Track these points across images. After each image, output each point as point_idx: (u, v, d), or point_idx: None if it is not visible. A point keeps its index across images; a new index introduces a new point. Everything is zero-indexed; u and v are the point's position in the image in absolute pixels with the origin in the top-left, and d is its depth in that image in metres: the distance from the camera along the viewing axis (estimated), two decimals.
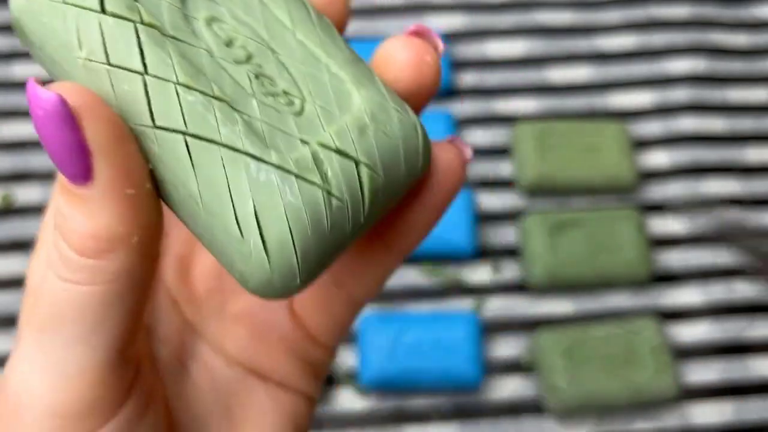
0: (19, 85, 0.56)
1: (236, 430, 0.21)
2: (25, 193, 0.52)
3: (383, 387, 0.48)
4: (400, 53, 0.19)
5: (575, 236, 0.51)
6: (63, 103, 0.15)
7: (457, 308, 0.51)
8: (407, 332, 0.48)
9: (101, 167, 0.16)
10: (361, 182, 0.17)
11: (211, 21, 0.18)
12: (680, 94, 0.57)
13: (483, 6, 0.60)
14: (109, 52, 0.16)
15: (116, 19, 0.16)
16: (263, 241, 0.16)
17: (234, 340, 0.22)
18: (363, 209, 0.17)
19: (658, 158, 0.55)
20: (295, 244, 0.16)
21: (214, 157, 0.16)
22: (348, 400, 0.48)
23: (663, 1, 0.60)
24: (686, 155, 0.55)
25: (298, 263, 0.16)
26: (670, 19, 0.60)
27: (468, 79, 0.57)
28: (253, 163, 0.16)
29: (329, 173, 0.17)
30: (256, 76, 0.18)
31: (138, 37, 0.16)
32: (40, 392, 0.17)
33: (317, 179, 0.17)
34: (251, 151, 0.16)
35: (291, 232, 0.16)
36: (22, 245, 0.51)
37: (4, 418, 0.18)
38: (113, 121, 0.16)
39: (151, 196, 0.17)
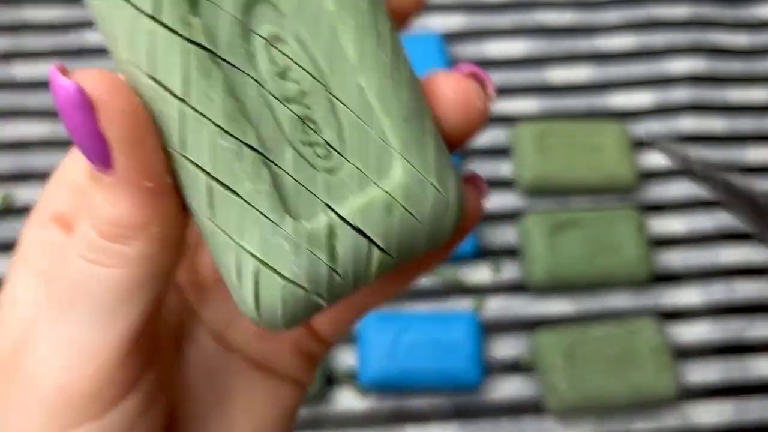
0: (19, 85, 0.56)
1: (228, 414, 0.21)
2: (26, 193, 0.52)
3: (383, 387, 0.48)
4: (451, 93, 0.18)
5: (575, 236, 0.51)
6: (80, 91, 0.15)
7: (457, 308, 0.51)
8: (407, 332, 0.48)
9: (118, 157, 0.16)
10: (369, 261, 0.17)
11: (272, 41, 0.16)
12: (680, 94, 0.57)
13: (483, 6, 0.60)
14: (155, 66, 0.15)
15: (168, 32, 0.15)
16: (256, 297, 0.16)
17: (240, 332, 0.22)
18: (366, 282, 0.17)
19: (658, 158, 0.55)
20: (286, 309, 0.16)
21: (232, 207, 0.16)
22: (348, 400, 0.48)
23: (663, 1, 0.60)
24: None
25: (284, 321, 0.17)
26: (670, 19, 0.60)
27: None
28: (268, 225, 0.16)
29: (339, 252, 0.16)
30: (302, 120, 0.17)
31: (187, 58, 0.16)
32: (52, 367, 0.17)
33: (324, 257, 0.16)
34: (269, 215, 0.16)
35: (283, 300, 0.16)
36: None
37: (13, 387, 0.18)
38: (133, 114, 0.15)
39: (172, 189, 0.17)
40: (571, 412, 0.48)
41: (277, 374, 0.22)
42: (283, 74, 0.16)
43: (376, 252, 0.17)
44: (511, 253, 0.53)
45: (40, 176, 0.53)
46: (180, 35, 0.15)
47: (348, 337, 0.50)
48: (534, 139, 0.53)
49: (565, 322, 0.51)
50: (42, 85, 0.56)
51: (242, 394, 0.21)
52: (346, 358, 0.49)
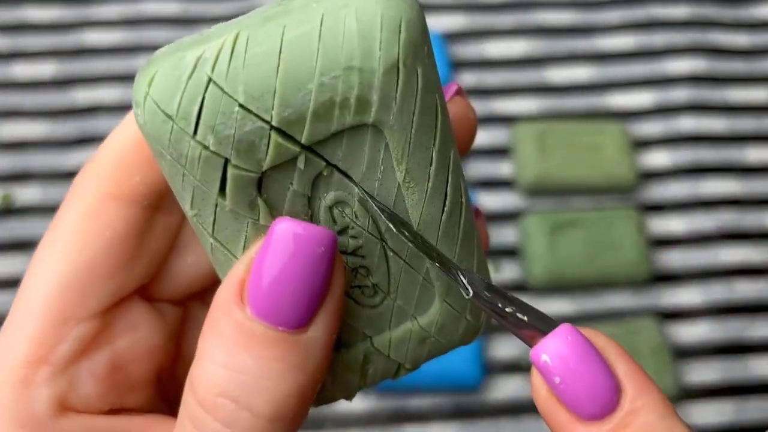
0: (19, 85, 0.56)
1: None
2: (25, 194, 0.52)
3: (383, 387, 0.48)
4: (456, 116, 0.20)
5: (575, 236, 0.51)
6: (336, 243, 0.16)
7: None
8: None
9: (328, 309, 0.16)
10: (396, 374, 0.19)
11: (335, 205, 0.17)
12: (680, 94, 0.57)
13: (483, 6, 0.60)
14: (216, 230, 0.16)
15: (232, 211, 0.16)
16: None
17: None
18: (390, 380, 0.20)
19: (658, 158, 0.55)
20: (321, 402, 0.19)
21: None
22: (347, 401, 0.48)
23: (663, 1, 0.60)
24: (686, 155, 0.55)
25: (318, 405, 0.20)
26: (670, 19, 0.60)
27: (468, 79, 0.57)
28: None
29: (370, 371, 0.19)
30: (353, 269, 0.18)
31: (247, 233, 0.16)
32: None
33: (356, 379, 0.19)
34: None
35: (320, 399, 0.19)
36: (22, 245, 0.51)
37: None
38: (344, 267, 0.17)
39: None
40: None
41: None
42: (342, 231, 0.17)
43: (403, 370, 0.19)
44: (511, 253, 0.53)
45: (39, 176, 0.53)
46: (246, 216, 0.16)
47: None
48: (534, 139, 0.53)
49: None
50: (41, 84, 0.56)
51: None
52: None
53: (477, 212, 0.21)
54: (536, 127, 0.54)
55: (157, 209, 0.18)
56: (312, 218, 0.17)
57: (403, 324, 0.19)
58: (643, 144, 0.56)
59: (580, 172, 0.53)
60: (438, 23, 0.59)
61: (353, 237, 0.17)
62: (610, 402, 0.17)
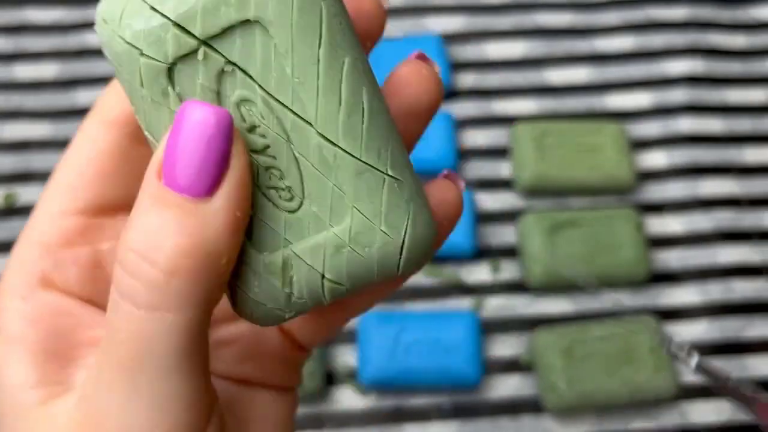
0: (21, 86, 0.56)
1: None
2: (27, 193, 0.53)
3: (383, 386, 0.48)
4: (404, 73, 0.21)
5: (574, 236, 0.52)
6: (230, 120, 0.18)
7: (456, 308, 0.51)
8: (407, 331, 0.48)
9: (229, 183, 0.18)
10: (323, 290, 0.20)
11: (241, 103, 0.19)
12: (678, 95, 0.57)
13: (482, 7, 0.60)
14: (147, 123, 0.20)
15: (153, 101, 0.19)
16: (235, 305, 0.21)
17: (221, 361, 0.23)
18: (322, 303, 0.20)
19: (657, 158, 0.56)
20: (255, 317, 0.20)
21: None
22: (348, 399, 0.49)
23: (661, 2, 0.61)
24: (684, 155, 0.56)
25: (260, 323, 0.20)
26: (669, 20, 0.60)
27: (467, 79, 0.58)
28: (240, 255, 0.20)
29: (294, 279, 0.20)
30: (266, 168, 0.20)
31: (166, 123, 0.19)
32: (135, 426, 0.17)
33: (279, 283, 0.20)
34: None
35: (251, 311, 0.20)
36: None
37: None
38: (246, 149, 0.18)
39: (245, 224, 0.18)
40: (569, 411, 0.48)
41: (271, 387, 0.23)
42: (251, 129, 0.19)
43: (327, 282, 0.20)
44: (510, 252, 0.53)
45: (41, 176, 0.53)
46: (161, 104, 0.19)
47: (348, 337, 0.50)
48: (533, 139, 0.54)
49: (563, 321, 0.51)
50: (43, 85, 0.56)
51: (250, 412, 0.23)
52: (346, 358, 0.50)
53: (450, 175, 0.22)
54: (535, 127, 0.54)
55: (136, 140, 0.22)
56: None
57: (320, 233, 0.20)
58: (642, 144, 0.56)
59: (578, 172, 0.53)
60: (438, 24, 0.59)
61: (261, 136, 0.19)
62: None
